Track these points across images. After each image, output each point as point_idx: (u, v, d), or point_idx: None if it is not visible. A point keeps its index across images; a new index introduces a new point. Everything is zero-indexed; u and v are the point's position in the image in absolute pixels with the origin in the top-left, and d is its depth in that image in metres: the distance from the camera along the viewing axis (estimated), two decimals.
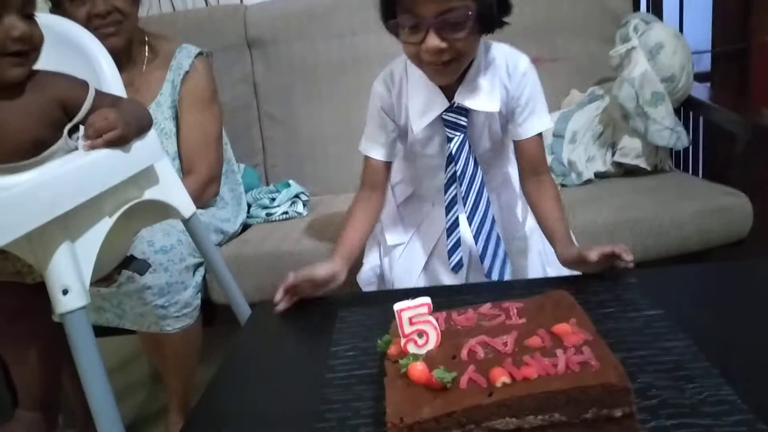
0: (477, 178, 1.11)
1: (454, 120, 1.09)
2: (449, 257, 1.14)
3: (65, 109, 0.94)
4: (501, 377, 0.59)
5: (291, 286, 0.98)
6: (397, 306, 0.67)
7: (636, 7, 1.92)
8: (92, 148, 0.87)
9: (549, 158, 1.64)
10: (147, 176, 0.99)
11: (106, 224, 0.87)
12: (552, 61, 1.80)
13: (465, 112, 1.08)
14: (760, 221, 1.36)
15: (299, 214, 1.68)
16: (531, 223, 1.22)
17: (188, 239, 1.25)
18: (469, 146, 1.10)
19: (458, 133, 1.09)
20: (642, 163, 1.60)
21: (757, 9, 2.04)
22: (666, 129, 1.55)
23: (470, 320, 0.72)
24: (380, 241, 1.28)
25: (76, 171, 0.82)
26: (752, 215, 1.36)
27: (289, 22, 1.93)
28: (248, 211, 1.70)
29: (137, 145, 0.94)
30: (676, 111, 1.60)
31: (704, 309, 0.86)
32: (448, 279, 1.17)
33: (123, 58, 1.43)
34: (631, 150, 1.61)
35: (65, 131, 0.92)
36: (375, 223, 1.20)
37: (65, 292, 0.78)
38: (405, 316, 0.67)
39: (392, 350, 0.68)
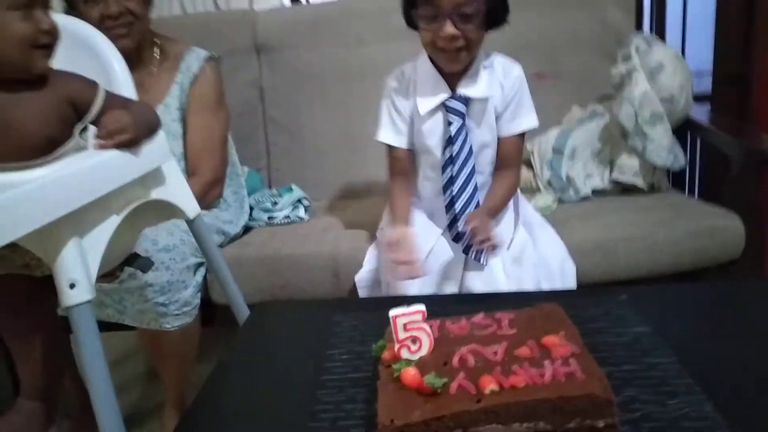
0: (469, 162, 1.25)
1: (455, 107, 1.25)
2: (450, 230, 1.26)
3: (76, 108, 0.97)
4: (490, 385, 0.61)
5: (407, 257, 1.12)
6: (392, 312, 0.69)
7: (639, 25, 1.94)
8: (103, 148, 0.90)
9: (548, 174, 1.66)
10: (154, 177, 1.02)
11: (113, 222, 0.90)
12: (554, 77, 1.83)
13: (465, 101, 1.25)
14: (752, 243, 1.38)
15: (300, 218, 1.70)
16: (524, 235, 1.28)
17: (191, 239, 1.27)
18: (466, 133, 1.25)
19: (458, 118, 1.24)
20: (639, 182, 1.63)
21: (759, 33, 2.07)
22: (664, 149, 1.58)
23: (463, 329, 0.74)
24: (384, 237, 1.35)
25: (87, 170, 0.85)
26: (744, 237, 1.38)
27: (298, 29, 1.96)
28: (250, 214, 1.72)
29: (146, 147, 0.97)
30: (675, 131, 1.62)
31: (692, 327, 0.88)
32: (440, 284, 1.23)
33: (134, 59, 1.45)
34: (628, 168, 1.63)
35: (76, 130, 0.95)
36: (412, 199, 1.34)
37: (72, 285, 0.80)
38: (400, 322, 0.69)
39: (386, 355, 0.70)
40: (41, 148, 0.92)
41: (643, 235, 1.38)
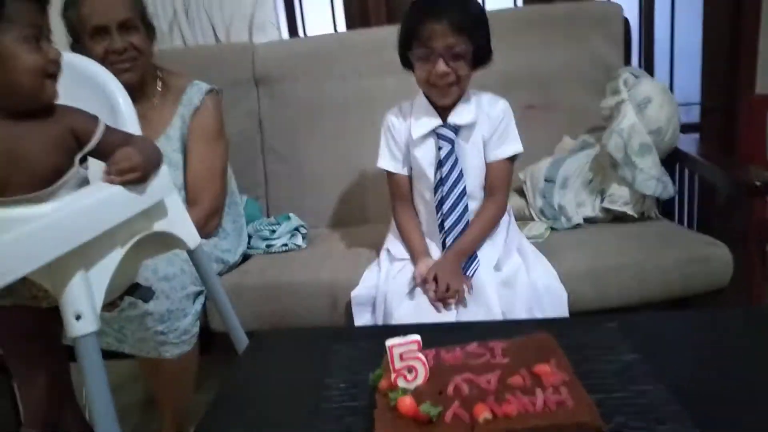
0: (459, 185, 1.38)
1: (445, 134, 1.39)
2: (443, 249, 1.39)
3: (77, 139, 1.01)
4: (483, 413, 0.63)
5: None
6: (389, 342, 0.72)
7: (627, 59, 1.99)
8: (111, 182, 0.93)
9: (540, 202, 1.70)
10: (157, 209, 1.04)
11: (118, 254, 0.92)
12: (545, 109, 1.87)
13: (455, 129, 1.39)
14: (740, 271, 1.41)
15: (298, 246, 1.72)
16: (518, 260, 1.35)
17: (191, 268, 1.29)
18: (456, 158, 1.38)
19: (447, 144, 1.38)
20: (629, 210, 1.66)
21: (744, 66, 2.13)
22: (652, 179, 1.62)
23: (457, 358, 0.77)
24: (386, 250, 1.46)
25: (95, 205, 0.88)
26: (732, 265, 1.41)
27: (296, 62, 2.00)
28: (249, 242, 1.74)
29: (151, 181, 1.00)
30: (664, 162, 1.66)
31: (681, 355, 0.89)
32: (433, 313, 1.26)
33: (137, 92, 1.48)
34: (619, 197, 1.66)
35: (76, 160, 0.99)
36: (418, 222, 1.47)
37: (78, 317, 0.82)
38: (396, 352, 0.71)
39: (383, 384, 0.72)
40: (48, 177, 0.95)
41: (633, 263, 1.41)
